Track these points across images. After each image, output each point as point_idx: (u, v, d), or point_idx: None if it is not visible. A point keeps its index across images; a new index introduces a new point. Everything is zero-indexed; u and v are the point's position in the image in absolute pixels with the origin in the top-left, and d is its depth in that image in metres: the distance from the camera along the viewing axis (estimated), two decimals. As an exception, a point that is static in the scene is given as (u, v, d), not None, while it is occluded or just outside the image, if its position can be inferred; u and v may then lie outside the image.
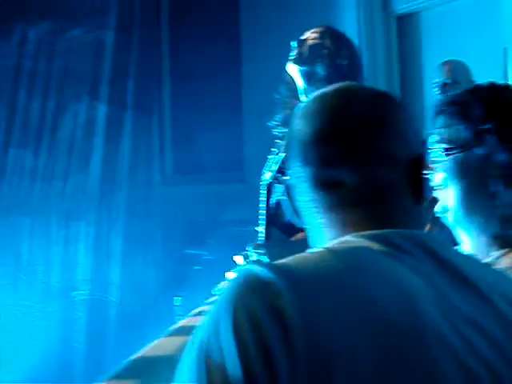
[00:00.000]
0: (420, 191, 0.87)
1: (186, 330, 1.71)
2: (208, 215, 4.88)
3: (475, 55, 3.41)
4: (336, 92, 0.92)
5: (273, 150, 2.12)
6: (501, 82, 3.69)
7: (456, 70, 3.06)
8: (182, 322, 1.79)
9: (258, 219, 2.44)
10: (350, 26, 4.07)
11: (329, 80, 2.24)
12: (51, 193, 4.49)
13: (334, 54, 2.29)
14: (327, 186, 0.87)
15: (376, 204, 0.85)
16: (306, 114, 0.91)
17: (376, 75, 3.87)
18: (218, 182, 5.06)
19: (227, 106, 5.16)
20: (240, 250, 4.17)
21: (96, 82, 4.70)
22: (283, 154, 2.06)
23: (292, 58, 2.30)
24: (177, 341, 1.51)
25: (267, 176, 2.15)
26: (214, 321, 0.70)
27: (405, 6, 4.05)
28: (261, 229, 2.21)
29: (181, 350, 1.29)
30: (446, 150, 1.27)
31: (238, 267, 1.69)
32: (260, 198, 2.16)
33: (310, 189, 0.89)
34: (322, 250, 0.80)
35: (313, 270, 0.73)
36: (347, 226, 0.85)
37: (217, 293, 2.95)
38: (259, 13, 4.84)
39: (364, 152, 0.85)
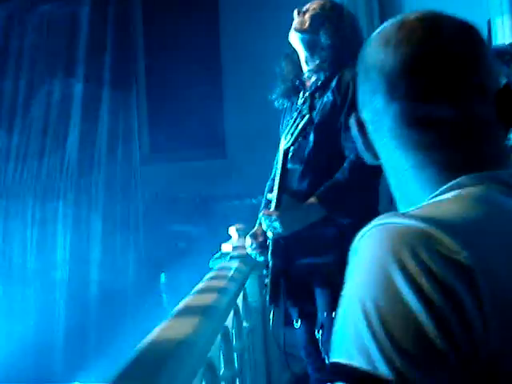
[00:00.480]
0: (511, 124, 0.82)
1: (193, 310, 1.68)
2: (189, 192, 4.86)
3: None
4: (421, 20, 0.82)
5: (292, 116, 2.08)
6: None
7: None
8: (186, 301, 1.76)
9: (268, 186, 2.42)
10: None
11: (333, 48, 2.23)
12: (26, 173, 4.40)
13: (337, 23, 2.27)
14: (423, 122, 0.79)
15: (476, 142, 0.79)
16: (389, 41, 0.82)
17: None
18: (199, 159, 5.02)
19: (207, 81, 5.10)
20: (224, 224, 4.16)
21: (71, 59, 4.59)
22: (303, 120, 2.03)
23: (294, 26, 2.27)
24: (189, 322, 1.47)
25: (284, 142, 2.11)
26: (377, 282, 0.64)
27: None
28: (270, 195, 2.19)
29: (198, 331, 1.25)
30: None
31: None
32: (276, 165, 2.13)
33: (397, 127, 0.81)
34: (452, 197, 0.73)
35: (460, 217, 0.68)
36: (447, 167, 0.78)
37: (214, 265, 2.93)
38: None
39: (462, 86, 0.79)
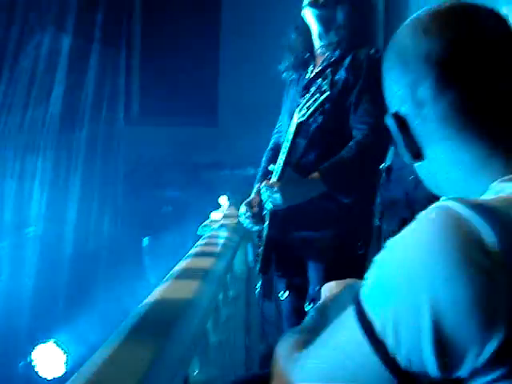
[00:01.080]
0: None
1: (191, 272, 1.70)
2: (177, 158, 4.84)
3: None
4: (456, 7, 0.80)
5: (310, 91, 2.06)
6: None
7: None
8: (184, 264, 1.77)
9: (267, 156, 2.41)
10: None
11: (349, 27, 2.22)
12: (9, 125, 4.34)
13: (354, 1, 2.26)
14: (485, 108, 0.75)
15: None
16: (429, 29, 0.78)
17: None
18: (190, 125, 5.00)
19: (204, 48, 5.05)
20: (212, 193, 4.17)
21: (62, 12, 4.50)
22: (323, 96, 2.01)
23: (309, 1, 2.25)
24: (190, 284, 1.49)
25: (297, 115, 2.09)
26: (433, 269, 0.63)
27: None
28: (272, 166, 2.18)
29: (201, 293, 1.26)
30: None
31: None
32: (287, 137, 2.12)
33: (455, 115, 0.76)
34: None
35: None
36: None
37: (203, 232, 2.95)
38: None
39: None
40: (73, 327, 3.58)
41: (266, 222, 2.28)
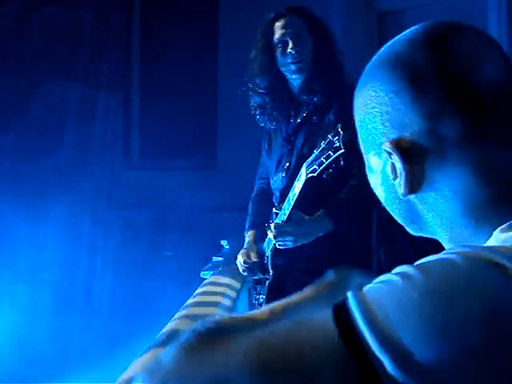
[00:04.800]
0: None
1: (194, 319, 1.71)
2: (178, 201, 4.86)
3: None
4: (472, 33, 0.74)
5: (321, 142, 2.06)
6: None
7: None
8: (186, 311, 1.78)
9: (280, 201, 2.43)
10: (333, 22, 4.11)
11: (330, 72, 2.26)
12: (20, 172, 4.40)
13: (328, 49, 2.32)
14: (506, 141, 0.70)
15: None
16: (459, 47, 0.71)
17: (356, 71, 3.88)
18: (189, 169, 5.03)
19: (201, 91, 5.12)
20: (212, 236, 4.18)
21: (70, 61, 4.60)
22: (335, 154, 1.97)
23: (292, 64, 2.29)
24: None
25: (306, 171, 2.07)
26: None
27: (387, 3, 4.11)
28: (279, 207, 2.21)
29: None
30: None
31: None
32: (295, 190, 2.14)
33: (470, 145, 0.70)
34: None
35: None
36: None
37: (206, 275, 2.96)
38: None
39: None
40: (83, 373, 3.58)
41: (270, 273, 2.30)
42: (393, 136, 0.74)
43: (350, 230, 2.21)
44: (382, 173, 0.78)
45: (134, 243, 4.68)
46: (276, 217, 2.24)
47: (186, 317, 1.71)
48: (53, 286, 4.27)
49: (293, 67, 2.28)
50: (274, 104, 2.37)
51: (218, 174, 4.96)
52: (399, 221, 0.82)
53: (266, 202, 2.45)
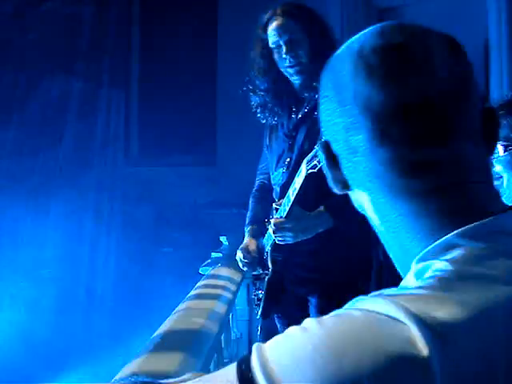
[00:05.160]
0: (493, 149, 0.78)
1: (193, 314, 1.72)
2: (177, 197, 4.87)
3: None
4: (407, 48, 0.73)
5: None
6: (482, 76, 3.77)
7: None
8: (185, 305, 1.79)
9: (279, 196, 2.43)
10: (333, 18, 4.11)
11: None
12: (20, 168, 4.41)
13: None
14: (418, 168, 0.71)
15: (472, 184, 0.73)
16: (373, 71, 0.72)
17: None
18: (188, 165, 5.04)
19: (201, 87, 5.13)
20: (211, 232, 4.18)
21: (71, 58, 4.60)
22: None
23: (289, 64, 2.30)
24: (192, 327, 1.51)
25: (306, 167, 2.08)
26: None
27: (387, 0, 4.11)
28: (279, 203, 2.21)
29: (203, 335, 1.27)
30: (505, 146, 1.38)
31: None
32: (295, 185, 2.14)
33: (386, 171, 0.72)
34: (443, 276, 0.65)
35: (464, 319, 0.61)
36: (445, 214, 0.71)
37: (204, 271, 2.97)
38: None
39: (456, 125, 0.72)
40: (85, 369, 3.58)
41: (270, 269, 2.30)
42: (325, 137, 0.79)
43: (351, 226, 2.20)
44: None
45: (134, 239, 4.69)
46: (276, 212, 2.24)
47: (187, 310, 1.73)
48: (54, 282, 4.28)
49: (290, 71, 2.28)
50: (275, 101, 2.38)
51: (217, 170, 4.97)
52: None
53: (267, 197, 2.45)
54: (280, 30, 2.26)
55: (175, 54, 5.23)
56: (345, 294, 2.22)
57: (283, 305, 2.35)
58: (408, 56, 0.72)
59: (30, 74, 4.44)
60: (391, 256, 0.79)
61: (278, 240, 2.17)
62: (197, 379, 0.68)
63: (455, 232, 0.69)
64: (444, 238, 0.69)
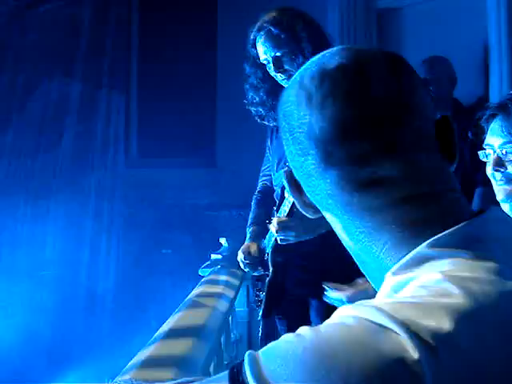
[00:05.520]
0: (454, 157, 0.78)
1: (192, 317, 1.71)
2: (176, 199, 4.86)
3: (456, 52, 3.48)
4: (344, 70, 0.75)
5: None
6: (482, 79, 3.77)
7: (438, 66, 3.11)
8: (184, 308, 1.79)
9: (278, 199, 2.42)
10: (333, 19, 4.11)
11: None
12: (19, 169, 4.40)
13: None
14: (368, 185, 0.72)
15: (429, 194, 0.73)
16: (311, 98, 0.75)
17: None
18: (188, 167, 5.03)
19: (200, 89, 5.12)
20: (210, 234, 4.17)
21: (70, 60, 4.60)
22: None
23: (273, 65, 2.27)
24: (192, 329, 1.51)
25: None
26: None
27: (386, 1, 4.11)
28: (279, 205, 2.20)
29: (203, 337, 1.27)
30: None
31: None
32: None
33: (338, 193, 0.74)
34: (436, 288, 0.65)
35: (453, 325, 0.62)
36: (406, 226, 0.72)
37: (204, 273, 2.96)
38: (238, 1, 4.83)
39: (401, 137, 0.73)
40: (85, 370, 3.58)
41: (271, 270, 2.29)
42: (287, 163, 0.82)
43: None
44: None
45: (134, 240, 4.69)
46: (277, 213, 2.23)
47: (187, 311, 1.73)
48: (54, 283, 4.28)
49: (285, 83, 2.27)
50: (272, 109, 2.37)
51: (217, 172, 4.96)
52: None
53: (269, 199, 2.45)
54: (265, 49, 2.25)
55: (175, 54, 5.22)
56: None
57: (284, 306, 2.34)
58: (342, 80, 0.74)
59: (29, 75, 4.43)
60: (365, 273, 0.81)
61: (281, 239, 2.16)
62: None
63: (426, 243, 0.69)
64: (416, 251, 0.70)
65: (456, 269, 0.67)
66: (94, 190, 4.63)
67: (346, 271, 2.27)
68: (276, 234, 2.16)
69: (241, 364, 0.65)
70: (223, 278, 2.59)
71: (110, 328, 4.26)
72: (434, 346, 0.59)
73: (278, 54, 2.23)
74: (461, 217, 0.72)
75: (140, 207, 4.89)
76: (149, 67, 5.31)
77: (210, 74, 5.07)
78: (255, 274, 2.40)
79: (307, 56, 2.21)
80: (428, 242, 0.69)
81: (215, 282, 2.46)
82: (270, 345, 0.66)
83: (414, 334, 0.60)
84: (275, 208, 2.25)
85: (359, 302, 0.67)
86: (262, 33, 2.25)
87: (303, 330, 0.65)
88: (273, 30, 2.24)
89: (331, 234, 2.16)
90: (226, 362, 2.27)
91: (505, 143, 1.47)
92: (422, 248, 0.69)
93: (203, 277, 2.89)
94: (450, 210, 0.74)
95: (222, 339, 2.10)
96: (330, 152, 0.73)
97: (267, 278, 2.31)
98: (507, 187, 1.46)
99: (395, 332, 0.60)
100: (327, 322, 0.66)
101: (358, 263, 0.82)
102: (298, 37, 2.23)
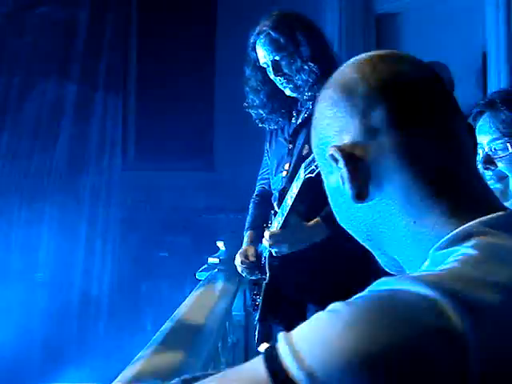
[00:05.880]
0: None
1: (189, 321, 1.71)
2: (174, 202, 4.85)
3: (454, 57, 3.49)
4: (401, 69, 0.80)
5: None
6: (480, 85, 3.78)
7: (436, 71, 3.12)
8: (182, 311, 1.78)
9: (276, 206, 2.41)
10: (332, 24, 4.11)
11: (320, 63, 2.24)
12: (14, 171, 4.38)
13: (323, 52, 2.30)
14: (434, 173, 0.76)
15: (469, 180, 0.77)
16: (378, 64, 0.79)
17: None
18: (186, 169, 5.03)
19: (198, 92, 5.12)
20: (208, 237, 4.17)
21: (66, 61, 4.59)
22: None
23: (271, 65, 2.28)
24: (189, 333, 1.50)
25: (304, 171, 2.06)
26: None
27: (385, 6, 4.12)
28: (277, 209, 2.20)
29: (201, 342, 1.27)
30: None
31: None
32: (291, 189, 2.13)
33: (407, 144, 0.76)
34: (470, 256, 0.66)
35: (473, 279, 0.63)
36: (454, 208, 0.74)
37: (201, 277, 2.95)
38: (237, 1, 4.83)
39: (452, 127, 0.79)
40: (79, 373, 3.57)
41: (268, 274, 2.29)
42: (332, 148, 0.80)
43: (348, 235, 2.19)
44: (337, 189, 0.82)
45: (131, 243, 4.67)
46: (274, 217, 2.24)
47: (184, 315, 1.72)
48: (48, 287, 4.26)
49: (284, 87, 2.28)
50: (273, 112, 2.37)
51: (215, 174, 4.96)
52: (359, 240, 0.87)
53: (266, 202, 2.45)
54: (265, 53, 2.26)
55: (174, 56, 5.22)
56: (343, 299, 2.23)
57: (281, 310, 2.34)
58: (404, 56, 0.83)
59: (26, 76, 4.42)
60: (400, 259, 0.80)
61: (275, 252, 2.16)
62: (219, 374, 0.67)
63: (477, 221, 0.71)
64: (460, 229, 0.71)
65: (500, 245, 0.68)
66: (89, 192, 4.62)
67: (344, 276, 2.27)
68: (269, 248, 2.16)
69: (275, 348, 0.62)
70: (220, 281, 2.58)
71: (106, 331, 4.24)
72: (478, 315, 0.59)
73: (276, 57, 2.23)
74: (500, 205, 0.75)
75: (137, 210, 4.88)
76: (147, 68, 5.30)
77: (208, 76, 5.07)
78: (252, 278, 2.40)
79: (305, 60, 2.21)
80: (478, 220, 0.71)
81: (212, 286, 2.45)
82: (301, 326, 0.64)
83: (457, 302, 0.59)
84: (273, 212, 2.26)
85: (395, 276, 0.66)
86: (261, 36, 2.26)
87: (335, 305, 0.64)
88: (272, 33, 2.24)
89: (327, 241, 2.16)
90: (222, 367, 2.26)
91: (493, 140, 1.45)
92: (467, 226, 0.70)
93: (200, 280, 2.88)
94: (492, 198, 0.77)
95: (219, 343, 2.10)
96: (405, 100, 0.76)
97: (264, 282, 2.31)
98: (498, 186, 1.44)
99: (437, 300, 0.60)
100: (360, 295, 0.65)
101: (394, 251, 0.80)
102: (296, 40, 2.23)
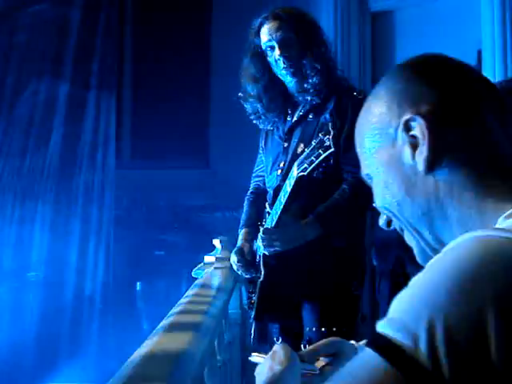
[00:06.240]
0: None
1: (186, 319, 1.70)
2: (169, 201, 4.85)
3: (449, 55, 3.48)
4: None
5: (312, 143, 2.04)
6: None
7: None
8: (178, 310, 1.78)
9: (269, 203, 2.41)
10: (327, 21, 4.11)
11: (324, 72, 2.26)
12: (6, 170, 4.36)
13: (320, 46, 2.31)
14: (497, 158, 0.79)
15: None
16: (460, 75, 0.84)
17: (350, 70, 3.92)
18: (181, 168, 5.02)
19: (194, 90, 5.11)
20: (204, 235, 4.16)
21: (59, 60, 4.56)
22: (326, 153, 1.97)
23: (280, 60, 2.29)
24: (185, 332, 1.50)
25: (297, 170, 2.06)
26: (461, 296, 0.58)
27: (380, 3, 4.13)
28: (271, 207, 2.20)
29: (196, 341, 1.26)
30: None
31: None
32: (285, 188, 2.13)
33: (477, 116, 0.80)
34: None
35: None
36: None
37: (197, 275, 2.94)
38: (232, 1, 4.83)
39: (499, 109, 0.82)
40: (73, 373, 3.56)
41: (262, 272, 2.29)
42: (409, 114, 0.79)
43: (341, 232, 2.20)
44: (394, 163, 0.80)
45: (126, 242, 4.66)
46: (268, 216, 2.24)
47: (180, 313, 1.72)
48: (42, 287, 4.23)
49: (285, 72, 2.28)
50: (269, 108, 2.38)
51: (210, 173, 4.95)
52: (409, 219, 0.82)
53: (261, 200, 2.45)
54: (272, 31, 2.27)
55: (169, 55, 5.21)
56: (338, 297, 2.22)
57: (276, 308, 2.34)
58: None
59: (18, 75, 4.39)
60: (448, 239, 0.76)
61: (269, 251, 2.17)
62: (335, 375, 0.66)
63: None
64: None
65: None
66: (83, 190, 4.59)
67: (338, 273, 2.27)
68: (263, 247, 2.17)
69: (380, 337, 0.61)
70: (216, 280, 2.58)
71: (102, 331, 4.23)
72: None
73: (285, 37, 2.25)
74: None
75: (133, 208, 4.87)
76: (142, 67, 5.29)
77: (203, 76, 5.06)
78: (247, 275, 2.40)
79: (311, 47, 2.23)
80: None
81: (208, 284, 2.45)
82: (396, 301, 0.63)
83: None
84: (267, 210, 2.26)
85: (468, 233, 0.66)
86: (269, 18, 2.28)
87: (427, 266, 0.63)
88: (282, 14, 2.28)
89: (322, 238, 2.16)
90: (219, 365, 2.25)
91: None
92: None
93: (196, 278, 2.87)
94: None
95: (216, 341, 2.09)
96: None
97: (259, 280, 2.31)
98: None
99: None
100: (446, 249, 0.65)
101: (445, 229, 0.79)
102: (303, 28, 2.27)
